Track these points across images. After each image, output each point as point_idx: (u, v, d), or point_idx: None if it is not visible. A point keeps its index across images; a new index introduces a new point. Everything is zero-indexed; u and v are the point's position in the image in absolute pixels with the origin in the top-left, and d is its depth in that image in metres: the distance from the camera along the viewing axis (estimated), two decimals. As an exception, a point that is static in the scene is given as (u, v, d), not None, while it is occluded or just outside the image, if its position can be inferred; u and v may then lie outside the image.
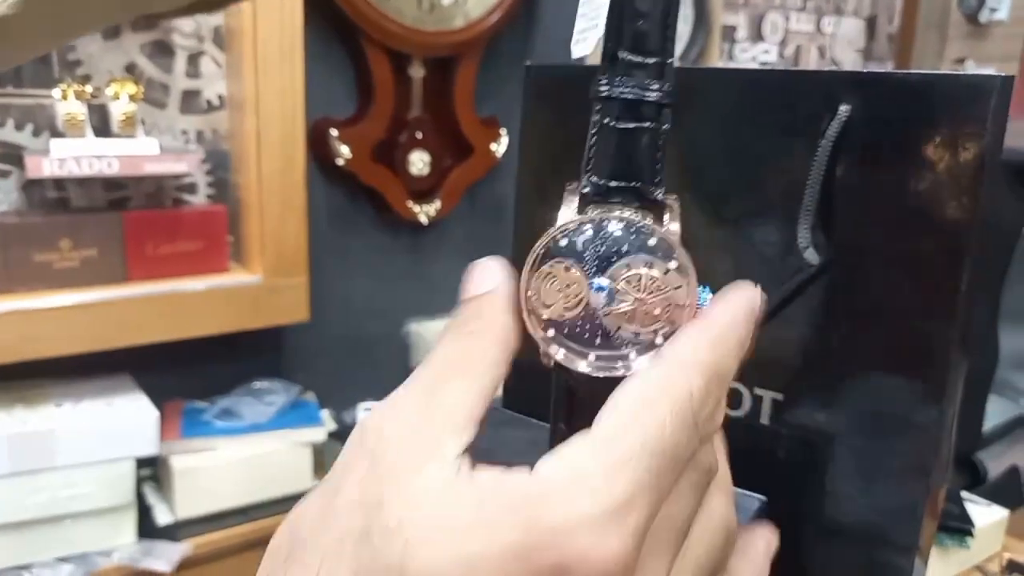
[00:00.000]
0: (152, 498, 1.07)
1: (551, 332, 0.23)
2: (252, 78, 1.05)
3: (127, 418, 0.97)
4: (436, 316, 1.35)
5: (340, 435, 1.19)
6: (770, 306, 0.35)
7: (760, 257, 0.35)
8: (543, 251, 0.24)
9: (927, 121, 0.31)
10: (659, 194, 0.24)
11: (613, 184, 0.24)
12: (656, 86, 0.23)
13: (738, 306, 0.23)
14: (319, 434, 1.13)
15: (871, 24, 1.69)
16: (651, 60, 0.24)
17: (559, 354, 0.23)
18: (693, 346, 0.22)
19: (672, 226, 0.24)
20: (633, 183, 0.24)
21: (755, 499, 0.32)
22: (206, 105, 1.13)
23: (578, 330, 0.23)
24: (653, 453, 0.19)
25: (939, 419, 0.35)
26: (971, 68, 1.57)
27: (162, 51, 1.09)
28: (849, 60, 1.68)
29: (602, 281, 0.23)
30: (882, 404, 0.34)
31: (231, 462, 1.06)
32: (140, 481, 1.06)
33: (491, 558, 0.17)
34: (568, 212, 0.24)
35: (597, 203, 0.24)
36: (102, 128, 1.02)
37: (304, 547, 0.19)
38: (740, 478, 0.36)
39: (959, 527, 0.89)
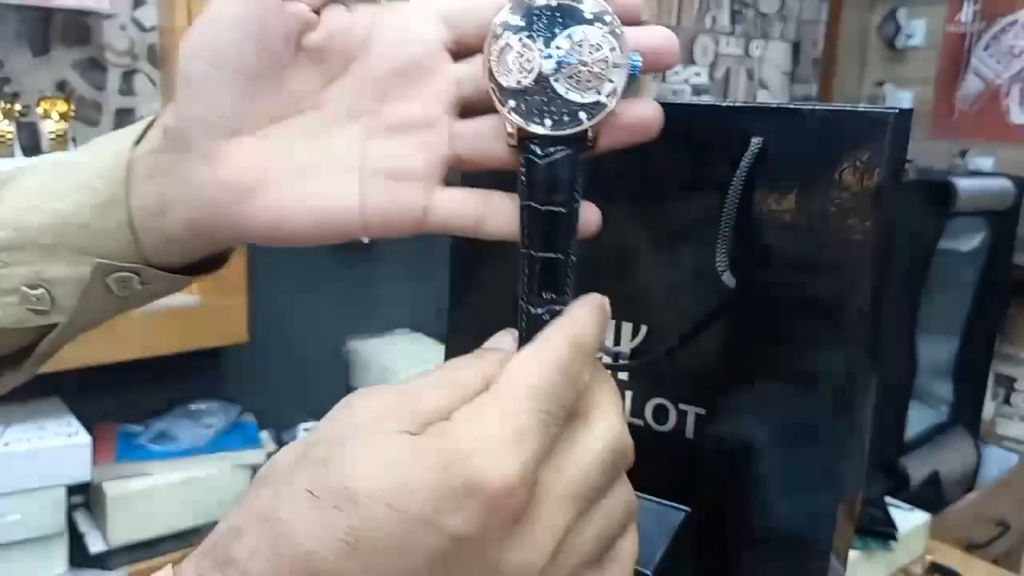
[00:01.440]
0: (85, 525, 1.04)
1: (511, 103, 0.27)
2: (188, 97, 1.04)
3: (58, 443, 0.95)
4: (376, 335, 1.34)
5: (280, 456, 1.18)
6: (693, 327, 0.37)
7: (682, 281, 0.37)
8: (500, 24, 0.28)
9: (830, 153, 0.33)
10: None
11: None
12: None
13: (596, 304, 0.28)
14: (258, 456, 1.11)
15: (796, 48, 1.77)
16: None
17: (520, 120, 0.27)
18: (562, 327, 0.27)
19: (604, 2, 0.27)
20: None
21: (680, 510, 0.34)
22: (140, 123, 1.12)
23: (535, 97, 0.27)
24: (537, 398, 0.24)
25: (850, 429, 0.37)
26: (890, 91, 1.65)
27: (94, 68, 1.08)
28: (776, 82, 1.74)
29: (550, 50, 0.27)
30: (797, 417, 0.36)
31: (167, 487, 1.04)
32: (72, 508, 1.03)
33: (417, 477, 0.22)
34: None
35: None
36: (31, 147, 1.00)
37: (276, 467, 0.25)
38: (667, 490, 0.38)
39: (883, 531, 0.92)
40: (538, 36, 0.27)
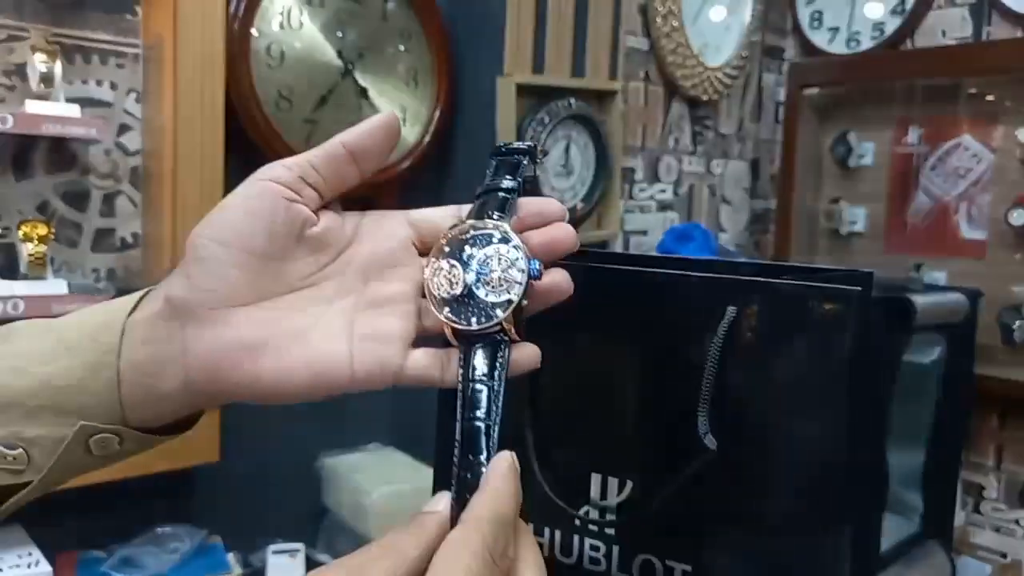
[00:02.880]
0: (38, 662, 0.99)
1: (446, 310, 0.36)
2: (170, 218, 1.06)
3: (18, 575, 0.91)
4: (349, 449, 1.33)
5: (249, 581, 1.14)
6: (675, 487, 0.38)
7: (667, 440, 0.38)
8: (435, 253, 0.37)
9: (802, 322, 0.36)
10: (504, 220, 0.37)
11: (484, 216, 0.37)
12: (510, 181, 0.39)
13: (506, 471, 0.32)
14: (225, 581, 1.08)
15: (755, 166, 1.85)
16: (517, 161, 0.41)
17: (453, 322, 0.35)
18: (479, 507, 0.30)
19: (508, 224, 0.36)
20: (495, 216, 0.37)
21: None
22: (119, 243, 1.13)
23: (463, 302, 0.35)
24: None
25: (832, 569, 0.38)
26: (845, 207, 1.73)
27: (77, 191, 1.09)
28: (737, 198, 1.82)
29: (472, 266, 0.36)
30: (781, 567, 0.37)
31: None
32: (25, 644, 0.98)
33: None
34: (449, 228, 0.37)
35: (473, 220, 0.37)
36: (9, 269, 1.00)
37: None
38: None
39: (864, 654, 0.91)
40: (462, 258, 0.36)
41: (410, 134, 1.27)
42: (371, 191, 1.25)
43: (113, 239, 1.13)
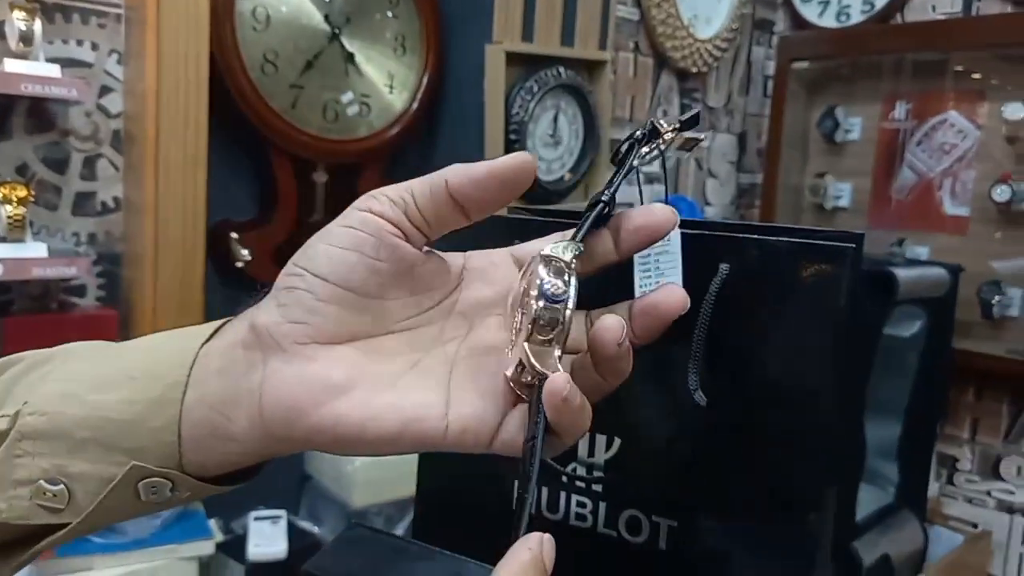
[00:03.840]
0: (21, 625, 0.99)
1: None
2: (152, 182, 1.04)
3: None
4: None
5: (229, 546, 1.14)
6: (664, 444, 0.38)
7: (656, 397, 0.38)
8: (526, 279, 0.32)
9: (794, 280, 0.36)
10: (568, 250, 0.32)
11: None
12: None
13: (518, 571, 0.25)
14: (207, 547, 1.08)
15: (742, 140, 1.85)
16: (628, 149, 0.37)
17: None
18: None
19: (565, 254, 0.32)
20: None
21: (657, 625, 0.35)
22: (100, 207, 1.12)
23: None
24: None
25: (815, 544, 0.39)
26: (830, 182, 1.73)
27: (57, 153, 1.08)
28: (724, 171, 1.82)
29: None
30: (765, 529, 0.38)
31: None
32: (8, 607, 0.98)
33: None
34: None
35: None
36: (-12, 231, 0.99)
37: None
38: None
39: (840, 618, 0.93)
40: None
41: (397, 101, 1.26)
42: (358, 158, 1.24)
43: (94, 203, 1.11)
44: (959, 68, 1.58)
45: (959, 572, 1.54)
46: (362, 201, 0.33)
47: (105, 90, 1.11)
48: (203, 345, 0.32)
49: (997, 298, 1.49)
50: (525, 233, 0.40)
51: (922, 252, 1.61)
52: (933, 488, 1.66)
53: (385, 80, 1.24)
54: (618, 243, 0.34)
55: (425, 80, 1.26)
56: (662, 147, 0.37)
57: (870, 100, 1.69)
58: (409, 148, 1.32)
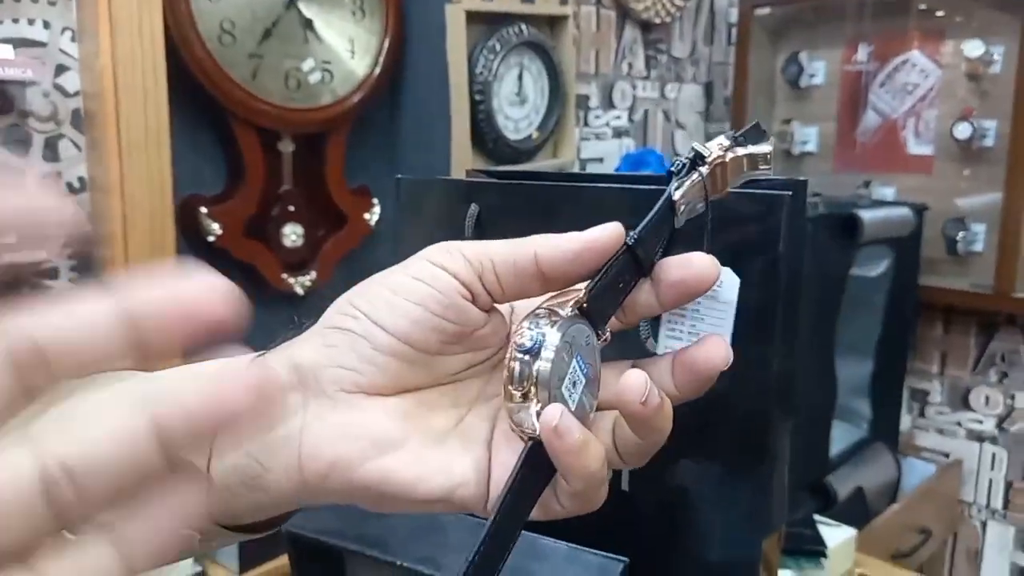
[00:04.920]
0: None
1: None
2: (116, 161, 1.04)
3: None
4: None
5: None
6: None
7: (611, 343, 0.40)
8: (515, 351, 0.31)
9: (731, 227, 0.37)
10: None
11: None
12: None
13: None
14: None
15: (708, 89, 1.86)
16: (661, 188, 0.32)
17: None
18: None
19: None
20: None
21: (619, 561, 0.37)
22: (66, 188, 1.11)
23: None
24: None
25: (770, 472, 0.41)
26: (797, 127, 1.75)
27: (17, 135, 1.06)
28: (691, 122, 1.83)
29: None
30: (722, 464, 0.40)
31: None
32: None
33: None
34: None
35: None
36: (-47, 218, 0.98)
37: None
38: (605, 542, 0.41)
39: (814, 550, 0.97)
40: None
41: (360, 66, 1.25)
42: (323, 125, 1.23)
43: (59, 184, 1.10)
44: (922, 7, 1.59)
45: (932, 500, 1.60)
46: (436, 254, 0.30)
47: (61, 69, 1.09)
48: None
49: (961, 234, 1.53)
50: (483, 196, 0.41)
51: (888, 193, 1.64)
52: (905, 421, 1.71)
53: (346, 45, 1.23)
54: (659, 295, 0.31)
55: (386, 44, 1.26)
56: (713, 178, 0.32)
57: (833, 44, 1.70)
58: (374, 113, 1.31)
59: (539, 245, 0.30)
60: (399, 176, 0.45)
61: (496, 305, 0.32)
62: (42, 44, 1.07)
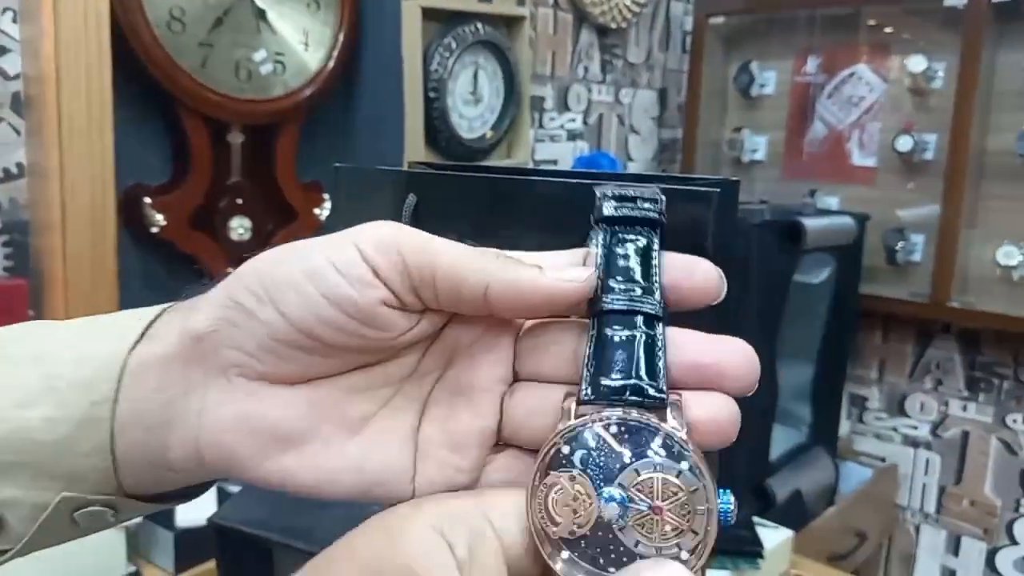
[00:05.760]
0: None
1: (565, 555, 0.22)
2: (56, 146, 1.01)
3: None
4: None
5: (157, 515, 1.14)
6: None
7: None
8: (546, 461, 0.22)
9: (668, 224, 0.38)
10: (661, 392, 0.23)
11: (613, 384, 0.23)
12: (649, 302, 0.25)
13: None
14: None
15: (663, 95, 1.88)
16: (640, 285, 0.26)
17: None
18: None
19: (677, 423, 0.23)
20: (633, 381, 0.23)
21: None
22: (2, 174, 1.08)
23: (596, 549, 0.21)
24: None
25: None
26: (747, 136, 1.78)
27: (-48, 117, 1.03)
28: (646, 127, 1.85)
29: (611, 490, 0.21)
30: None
31: (33, 555, 0.99)
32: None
33: None
34: (568, 419, 0.23)
35: (597, 407, 0.23)
36: None
37: None
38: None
39: (751, 551, 0.99)
40: (594, 470, 0.22)
41: (313, 59, 1.24)
42: (274, 118, 1.22)
43: (-4, 169, 1.07)
44: (872, 22, 1.63)
45: (868, 503, 1.64)
46: (370, 246, 0.26)
47: (1, 51, 1.06)
48: (133, 348, 0.26)
49: (900, 244, 1.57)
50: (424, 188, 0.41)
51: (833, 202, 1.68)
52: (844, 426, 1.76)
53: (300, 37, 1.22)
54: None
55: (341, 37, 1.24)
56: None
57: (784, 55, 1.74)
58: (327, 107, 1.30)
59: (493, 278, 0.25)
60: (337, 164, 0.45)
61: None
62: (-20, 24, 1.04)
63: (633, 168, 1.84)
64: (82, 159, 1.02)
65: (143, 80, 1.10)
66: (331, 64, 1.24)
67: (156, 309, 0.28)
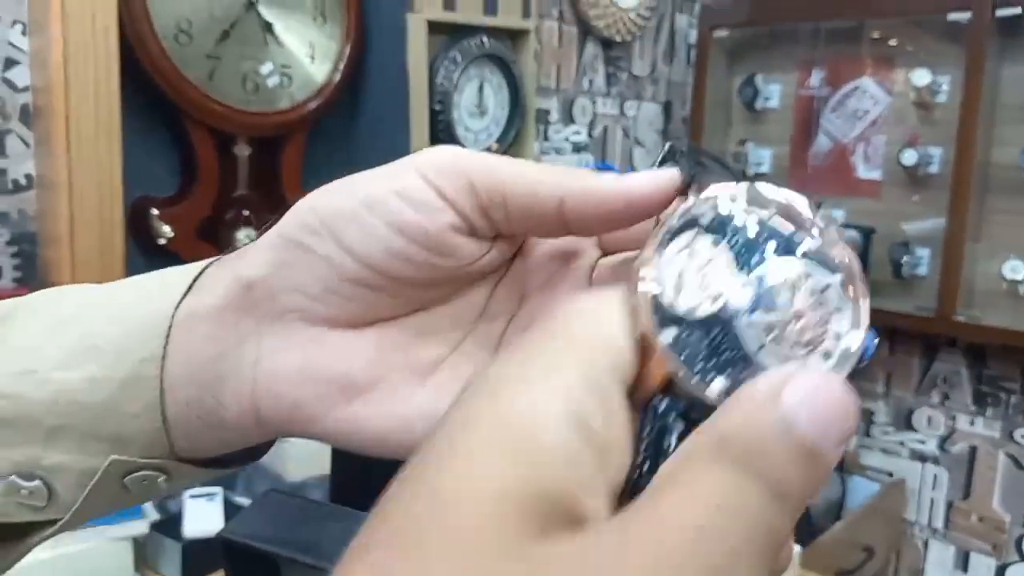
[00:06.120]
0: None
1: (671, 333, 0.17)
2: (64, 158, 1.02)
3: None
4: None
5: (164, 525, 1.13)
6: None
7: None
8: (682, 222, 0.18)
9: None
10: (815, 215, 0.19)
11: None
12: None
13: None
14: (141, 527, 1.07)
15: (667, 108, 1.89)
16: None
17: (679, 370, 0.17)
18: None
19: (842, 236, 0.19)
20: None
21: None
22: (12, 185, 1.08)
23: (708, 339, 0.17)
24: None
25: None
26: (751, 149, 1.78)
27: (-39, 129, 1.04)
28: (650, 140, 1.85)
29: (751, 276, 0.18)
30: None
31: (41, 563, 0.99)
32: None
33: None
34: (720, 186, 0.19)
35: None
36: None
37: None
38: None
39: (757, 564, 0.98)
40: (741, 249, 0.18)
41: (319, 72, 1.24)
42: (279, 130, 1.22)
43: (4, 180, 1.07)
44: (875, 35, 1.64)
45: (876, 518, 1.63)
46: (432, 169, 0.23)
47: (10, 63, 1.07)
48: (179, 303, 0.25)
49: (905, 258, 1.57)
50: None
51: (838, 215, 1.68)
52: (851, 440, 1.75)
53: (306, 50, 1.22)
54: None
55: (347, 50, 1.25)
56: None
57: (788, 68, 1.74)
58: (333, 119, 1.30)
59: (567, 190, 0.23)
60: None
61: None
62: (-10, 36, 1.04)
63: (638, 181, 1.84)
64: (90, 171, 1.02)
65: (150, 92, 1.10)
66: (337, 77, 1.25)
67: (202, 264, 0.26)
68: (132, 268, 1.12)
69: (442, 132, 1.33)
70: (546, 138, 1.61)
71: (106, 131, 1.02)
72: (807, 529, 1.39)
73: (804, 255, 0.18)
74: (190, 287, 0.25)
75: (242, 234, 1.22)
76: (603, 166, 1.65)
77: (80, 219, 1.03)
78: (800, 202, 0.19)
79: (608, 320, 0.18)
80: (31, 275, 1.10)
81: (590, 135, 1.71)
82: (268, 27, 1.19)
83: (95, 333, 0.24)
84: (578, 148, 1.69)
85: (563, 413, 0.16)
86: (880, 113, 1.64)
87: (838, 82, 1.68)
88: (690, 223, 0.18)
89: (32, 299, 0.26)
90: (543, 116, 1.59)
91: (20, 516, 0.25)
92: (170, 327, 0.24)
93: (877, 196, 1.65)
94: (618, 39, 1.70)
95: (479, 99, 1.38)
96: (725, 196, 0.19)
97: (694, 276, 0.18)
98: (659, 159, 0.22)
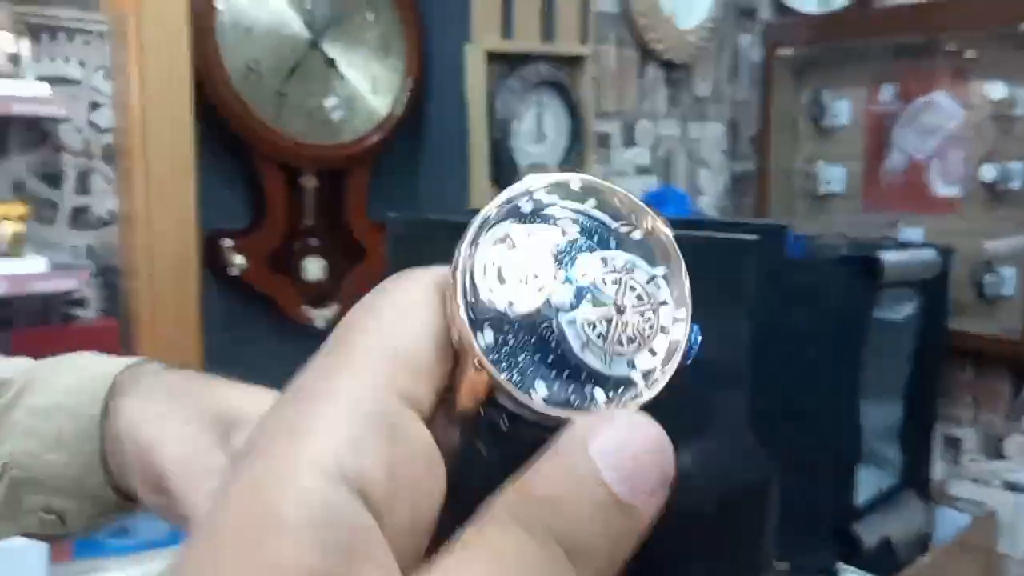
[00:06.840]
0: (32, 630, 1.01)
1: (488, 334, 0.15)
2: (143, 194, 1.07)
3: (13, 544, 0.93)
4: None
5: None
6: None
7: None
8: (498, 211, 0.16)
9: (701, 274, 0.37)
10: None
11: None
12: None
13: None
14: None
15: (733, 128, 1.86)
16: None
17: (498, 376, 0.15)
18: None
19: (665, 228, 0.17)
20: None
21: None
22: (96, 221, 1.14)
23: (527, 339, 0.16)
24: None
25: (760, 529, 0.40)
26: (821, 167, 1.74)
27: (51, 169, 1.10)
28: (716, 161, 1.83)
29: (572, 271, 0.16)
30: (711, 516, 0.39)
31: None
32: (18, 612, 1.01)
33: None
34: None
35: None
36: (-15, 248, 1.01)
37: None
38: None
39: (832, 598, 0.94)
40: (562, 242, 0.16)
41: (381, 104, 1.28)
42: (343, 162, 1.26)
43: (89, 216, 1.14)
44: (950, 48, 1.58)
45: (967, 552, 1.54)
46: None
47: (95, 106, 1.13)
48: (102, 420, 0.35)
49: (989, 278, 1.49)
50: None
51: (916, 233, 1.62)
52: (939, 469, 1.66)
53: (368, 84, 1.26)
54: None
55: (408, 82, 1.28)
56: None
57: (856, 84, 1.70)
58: (396, 149, 1.33)
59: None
60: (390, 214, 0.46)
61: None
62: (76, 82, 1.11)
63: (704, 202, 1.82)
64: (166, 206, 1.07)
65: (222, 129, 1.16)
66: (399, 108, 1.28)
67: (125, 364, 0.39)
68: (208, 298, 1.16)
69: (502, 159, 1.35)
70: (608, 161, 1.61)
71: (181, 168, 1.07)
72: (891, 562, 1.32)
73: (627, 248, 0.17)
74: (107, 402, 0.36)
75: (310, 262, 1.26)
76: (666, 189, 1.63)
77: (157, 252, 1.08)
78: (622, 194, 0.17)
79: (410, 325, 0.16)
80: (115, 306, 1.15)
81: (653, 157, 1.70)
82: (331, 63, 1.23)
83: (65, 428, 0.35)
84: (641, 170, 1.68)
85: (324, 477, 0.14)
86: (956, 127, 1.57)
87: (909, 96, 1.63)
88: (508, 214, 0.16)
89: (34, 376, 0.38)
90: (604, 139, 1.59)
91: (48, 531, 0.36)
92: (100, 427, 0.35)
93: (956, 213, 1.58)
94: (678, 61, 1.68)
95: (538, 125, 1.39)
96: (545, 186, 0.17)
97: (512, 271, 0.16)
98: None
